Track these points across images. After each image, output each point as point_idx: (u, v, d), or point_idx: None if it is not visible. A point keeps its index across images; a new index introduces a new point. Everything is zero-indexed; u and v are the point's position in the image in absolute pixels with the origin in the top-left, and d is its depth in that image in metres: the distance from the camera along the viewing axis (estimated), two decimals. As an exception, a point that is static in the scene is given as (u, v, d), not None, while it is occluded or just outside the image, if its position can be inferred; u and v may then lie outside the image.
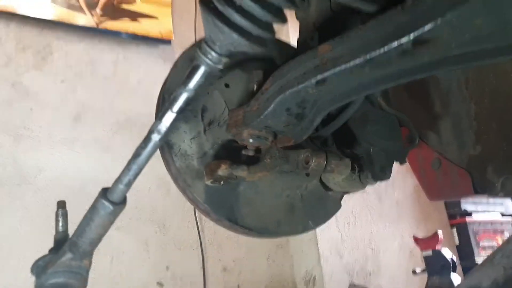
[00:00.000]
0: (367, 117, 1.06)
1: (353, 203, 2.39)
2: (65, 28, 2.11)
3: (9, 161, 1.82)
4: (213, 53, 0.49)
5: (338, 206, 1.16)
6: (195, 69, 0.52)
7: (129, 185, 0.60)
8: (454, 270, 1.75)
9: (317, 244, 2.20)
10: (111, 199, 0.60)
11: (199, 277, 2.03)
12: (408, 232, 2.58)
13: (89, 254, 0.68)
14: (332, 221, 2.27)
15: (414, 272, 1.97)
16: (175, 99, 0.55)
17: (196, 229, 2.07)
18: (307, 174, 1.07)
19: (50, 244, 1.78)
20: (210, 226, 2.14)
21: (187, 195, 0.94)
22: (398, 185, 2.64)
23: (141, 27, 2.26)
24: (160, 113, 0.57)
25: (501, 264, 1.31)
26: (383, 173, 1.06)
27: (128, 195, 2.25)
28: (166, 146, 0.92)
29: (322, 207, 1.12)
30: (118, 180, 0.60)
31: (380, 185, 2.54)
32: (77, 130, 2.01)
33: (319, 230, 2.22)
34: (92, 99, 2.10)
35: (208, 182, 0.88)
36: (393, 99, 1.29)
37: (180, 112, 0.56)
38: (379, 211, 2.49)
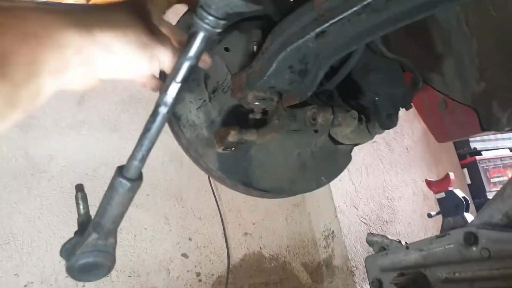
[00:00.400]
0: (370, 66, 1.05)
1: (363, 154, 2.40)
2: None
3: (20, 152, 1.84)
4: (210, 17, 0.48)
5: (349, 158, 1.17)
6: (193, 36, 0.52)
7: (143, 160, 0.61)
8: (467, 209, 1.78)
9: (332, 198, 2.23)
10: (128, 176, 0.61)
11: (222, 244, 2.08)
12: (420, 177, 2.59)
13: (113, 232, 0.69)
14: (345, 174, 2.31)
15: (429, 215, 1.99)
16: (177, 69, 0.55)
17: (213, 197, 2.11)
18: (316, 131, 1.08)
19: (72, 228, 1.82)
20: (227, 193, 2.17)
21: (201, 164, 0.96)
22: (407, 132, 2.64)
23: None
24: (164, 85, 0.57)
25: (511, 197, 1.34)
26: (390, 121, 1.06)
27: (142, 172, 2.27)
28: (174, 118, 0.93)
29: (333, 162, 1.13)
30: (132, 156, 0.61)
31: (389, 133, 2.54)
32: (82, 113, 2.02)
33: (333, 184, 2.25)
34: (93, 81, 2.09)
35: (220, 150, 0.89)
36: (395, 44, 1.28)
37: (185, 81, 0.56)
38: (390, 160, 2.51)
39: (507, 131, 1.21)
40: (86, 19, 0.54)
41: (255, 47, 0.90)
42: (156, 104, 0.58)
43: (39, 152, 1.89)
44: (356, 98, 1.10)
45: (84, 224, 0.72)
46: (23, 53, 0.45)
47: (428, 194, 2.55)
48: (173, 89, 0.56)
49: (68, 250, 0.71)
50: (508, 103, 1.09)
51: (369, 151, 2.43)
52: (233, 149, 0.90)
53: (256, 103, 0.88)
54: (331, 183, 2.26)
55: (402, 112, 2.88)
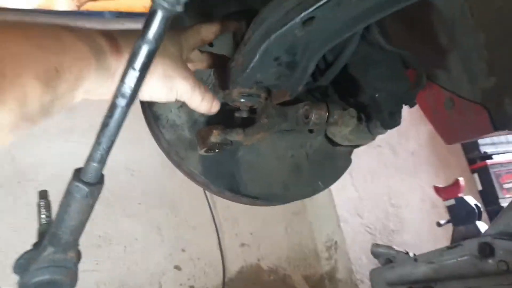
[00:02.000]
0: (368, 60, 0.96)
1: (367, 159, 2.30)
2: (45, 16, 2.02)
3: (6, 159, 1.77)
4: (168, -6, 0.40)
5: (348, 161, 1.07)
6: (151, 16, 0.43)
7: (102, 161, 0.53)
8: (480, 217, 1.69)
9: (335, 206, 2.14)
10: (86, 180, 0.53)
11: (217, 255, 1.99)
12: (427, 183, 2.49)
13: (73, 245, 0.61)
14: (347, 180, 2.22)
15: (438, 224, 1.90)
16: (134, 55, 0.46)
17: (208, 205, 2.02)
18: (311, 131, 0.99)
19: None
20: (223, 201, 2.07)
21: (183, 169, 0.87)
22: (412, 135, 2.54)
23: (124, 3, 2.17)
24: (122, 74, 0.48)
25: (529, 204, 1.23)
26: (393, 120, 0.97)
27: (134, 180, 2.18)
28: (152, 118, 0.84)
29: (331, 165, 1.03)
30: (89, 158, 0.52)
31: (393, 137, 2.45)
32: (72, 120, 1.94)
33: (335, 191, 2.16)
34: (84, 86, 2.03)
35: (202, 152, 0.80)
36: (395, 39, 1.19)
37: (145, 68, 0.47)
38: (395, 165, 2.41)
39: (522, 130, 1.11)
40: (124, 43, 0.59)
41: (240, 40, 0.81)
42: (113, 96, 0.50)
43: (26, 159, 1.82)
44: (355, 95, 1.01)
45: (44, 235, 0.63)
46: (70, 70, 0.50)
47: (437, 201, 2.44)
48: (131, 77, 0.48)
49: (21, 266, 0.62)
50: (522, 99, 0.99)
51: (373, 156, 2.33)
52: (217, 150, 0.80)
53: (242, 100, 0.79)
54: (333, 190, 2.19)
55: (407, 114, 2.78)
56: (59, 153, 1.88)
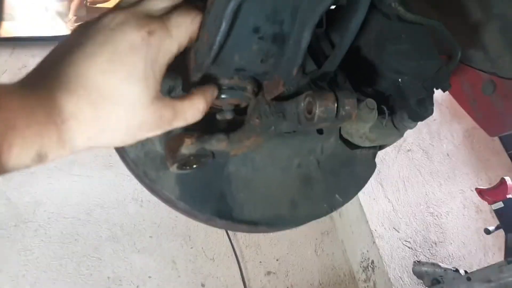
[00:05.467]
0: (385, 36, 0.76)
1: (398, 166, 2.08)
2: (39, 44, 1.93)
3: (2, 202, 1.64)
4: None
5: (372, 167, 0.86)
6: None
7: None
8: (536, 220, 1.45)
9: (367, 221, 1.91)
10: None
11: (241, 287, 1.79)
12: (468, 186, 2.25)
13: None
14: (378, 191, 1.98)
15: (487, 231, 1.68)
16: None
17: (225, 233, 1.82)
18: (320, 132, 0.79)
19: (63, 285, 1.56)
20: (242, 227, 1.88)
21: (157, 194, 0.68)
22: (445, 135, 2.30)
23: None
24: None
25: None
26: (423, 108, 0.76)
27: (143, 211, 2.01)
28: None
29: (350, 173, 0.82)
30: None
31: (424, 139, 2.21)
32: (72, 152, 1.82)
33: (366, 204, 1.94)
34: (82, 116, 1.91)
35: (174, 169, 0.61)
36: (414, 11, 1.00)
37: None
38: (429, 169, 2.17)
39: None
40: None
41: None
42: None
43: (24, 199, 1.69)
44: (372, 83, 0.81)
45: None
46: None
47: (482, 206, 2.19)
48: None
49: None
50: None
51: (404, 162, 2.10)
52: (194, 166, 0.61)
53: (223, 96, 0.61)
54: (363, 204, 1.96)
55: (437, 112, 2.52)
56: (60, 188, 1.75)
